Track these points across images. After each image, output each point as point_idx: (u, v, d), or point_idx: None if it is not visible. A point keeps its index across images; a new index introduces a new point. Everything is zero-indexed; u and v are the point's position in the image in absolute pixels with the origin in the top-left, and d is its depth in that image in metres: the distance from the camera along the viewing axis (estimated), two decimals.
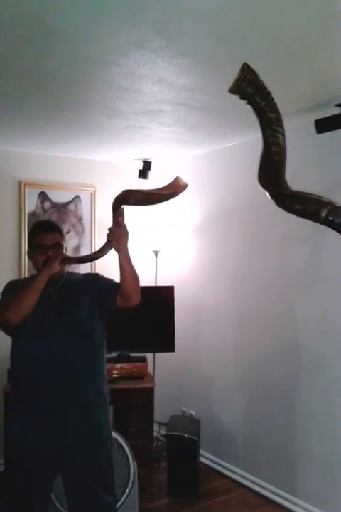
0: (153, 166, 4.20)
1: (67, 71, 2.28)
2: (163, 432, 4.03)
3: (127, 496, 3.04)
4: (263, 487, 3.53)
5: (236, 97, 1.10)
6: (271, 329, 3.47)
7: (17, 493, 2.21)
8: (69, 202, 4.17)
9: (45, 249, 2.19)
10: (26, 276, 3.69)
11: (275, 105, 1.07)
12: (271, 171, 1.07)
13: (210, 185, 4.03)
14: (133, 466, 3.12)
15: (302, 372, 3.25)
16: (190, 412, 4.15)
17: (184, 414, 4.19)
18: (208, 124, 3.21)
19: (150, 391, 3.65)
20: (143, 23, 1.79)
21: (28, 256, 2.33)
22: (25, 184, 3.94)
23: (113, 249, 2.11)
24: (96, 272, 3.07)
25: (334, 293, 3.03)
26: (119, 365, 3.72)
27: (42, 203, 4.04)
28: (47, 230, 2.27)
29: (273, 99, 1.07)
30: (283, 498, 3.37)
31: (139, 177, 4.18)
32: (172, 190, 2.00)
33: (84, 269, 3.12)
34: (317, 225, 1.03)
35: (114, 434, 2.92)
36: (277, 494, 3.41)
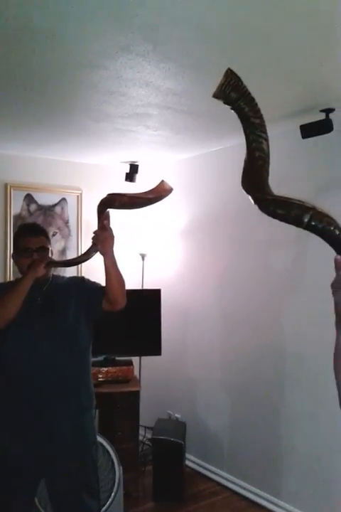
0: (140, 169, 4.20)
1: (54, 74, 2.28)
2: (149, 435, 4.02)
3: (112, 501, 3.02)
4: (248, 490, 3.54)
5: (222, 102, 1.11)
6: (257, 332, 3.49)
7: None
8: (56, 204, 4.14)
9: (31, 253, 2.17)
10: (11, 279, 3.65)
11: (258, 110, 1.07)
12: (255, 176, 1.07)
13: (197, 189, 4.05)
14: (118, 471, 3.10)
15: (287, 375, 3.28)
16: (176, 415, 4.14)
17: (170, 417, 4.18)
18: (195, 128, 3.22)
19: (136, 395, 3.65)
20: (130, 27, 1.80)
21: (13, 259, 2.31)
22: (11, 186, 3.91)
23: (99, 253, 2.11)
24: (82, 275, 3.05)
25: (318, 296, 3.03)
26: (105, 369, 3.71)
27: (28, 205, 4.01)
28: (32, 233, 2.25)
29: (256, 104, 1.07)
30: (267, 500, 3.39)
31: (126, 180, 4.17)
32: (158, 194, 2.00)
33: (70, 272, 3.12)
34: (301, 229, 1.03)
35: (99, 439, 2.91)
36: (262, 497, 3.43)
